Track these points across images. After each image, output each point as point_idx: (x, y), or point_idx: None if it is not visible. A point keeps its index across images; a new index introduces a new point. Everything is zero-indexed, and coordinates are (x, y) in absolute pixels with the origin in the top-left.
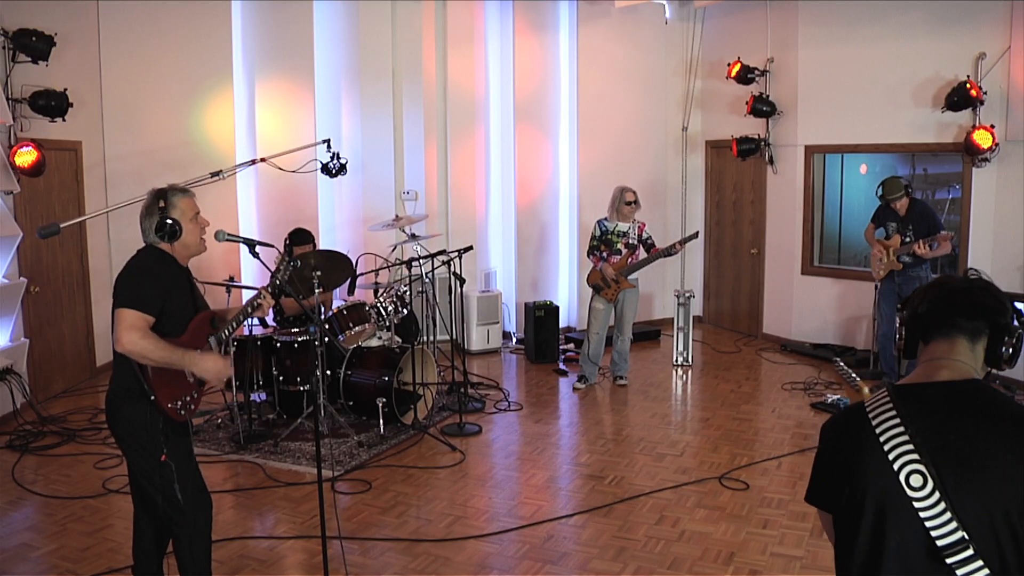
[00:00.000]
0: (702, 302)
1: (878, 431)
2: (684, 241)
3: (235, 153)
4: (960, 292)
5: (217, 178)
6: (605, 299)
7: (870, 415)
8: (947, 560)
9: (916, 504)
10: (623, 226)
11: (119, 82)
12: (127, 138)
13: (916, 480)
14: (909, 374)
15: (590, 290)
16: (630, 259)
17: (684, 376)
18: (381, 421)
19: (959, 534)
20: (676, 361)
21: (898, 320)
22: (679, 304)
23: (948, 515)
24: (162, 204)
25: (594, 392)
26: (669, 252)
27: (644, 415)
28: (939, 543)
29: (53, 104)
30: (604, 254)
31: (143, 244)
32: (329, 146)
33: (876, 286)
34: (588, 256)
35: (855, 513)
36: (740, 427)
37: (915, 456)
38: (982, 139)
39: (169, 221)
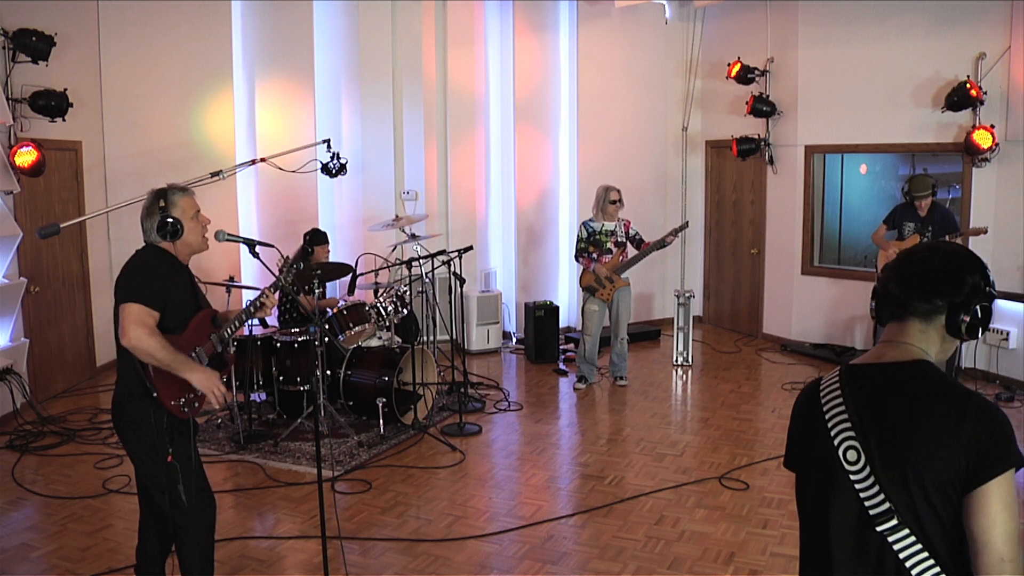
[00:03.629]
0: (702, 302)
1: (825, 408)
2: (675, 232)
3: (235, 153)
4: (916, 274)
5: (217, 178)
6: (601, 300)
7: (821, 392)
8: (877, 528)
9: (852, 476)
10: (610, 225)
11: (119, 82)
12: (127, 138)
13: (852, 455)
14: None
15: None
16: (621, 257)
17: (684, 376)
18: (381, 421)
19: (886, 505)
20: (676, 361)
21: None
22: (679, 304)
23: (876, 487)
24: (162, 204)
25: (594, 392)
26: (661, 245)
27: (644, 415)
28: (871, 512)
29: (53, 104)
30: (594, 255)
31: (143, 244)
32: (329, 146)
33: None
34: (576, 259)
35: (805, 478)
36: (740, 427)
37: (851, 432)
38: (982, 139)
39: (170, 220)
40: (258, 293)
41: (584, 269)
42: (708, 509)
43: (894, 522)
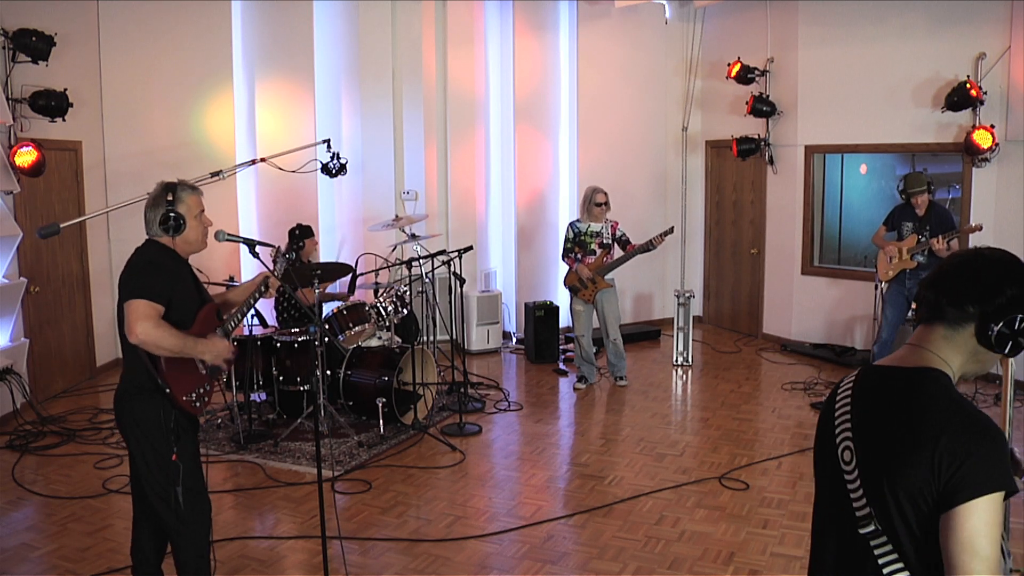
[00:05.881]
0: (702, 302)
1: (836, 406)
2: (662, 235)
3: (235, 153)
4: (951, 276)
5: (217, 178)
6: (583, 300)
7: (838, 390)
8: (860, 530)
9: (845, 476)
10: (596, 226)
11: (119, 82)
12: (127, 138)
13: (847, 456)
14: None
15: None
16: (605, 259)
17: (684, 376)
18: (381, 421)
19: (867, 509)
20: (676, 361)
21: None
22: (679, 304)
23: (861, 491)
24: (170, 197)
25: (594, 392)
26: (647, 248)
27: (644, 415)
28: (857, 514)
29: (53, 104)
30: (578, 255)
31: (143, 240)
32: (329, 146)
33: (877, 286)
34: (563, 259)
35: (819, 470)
36: (740, 427)
37: (849, 434)
38: (982, 139)
39: (173, 214)
40: (258, 280)
41: (569, 269)
42: (708, 509)
43: (872, 527)
